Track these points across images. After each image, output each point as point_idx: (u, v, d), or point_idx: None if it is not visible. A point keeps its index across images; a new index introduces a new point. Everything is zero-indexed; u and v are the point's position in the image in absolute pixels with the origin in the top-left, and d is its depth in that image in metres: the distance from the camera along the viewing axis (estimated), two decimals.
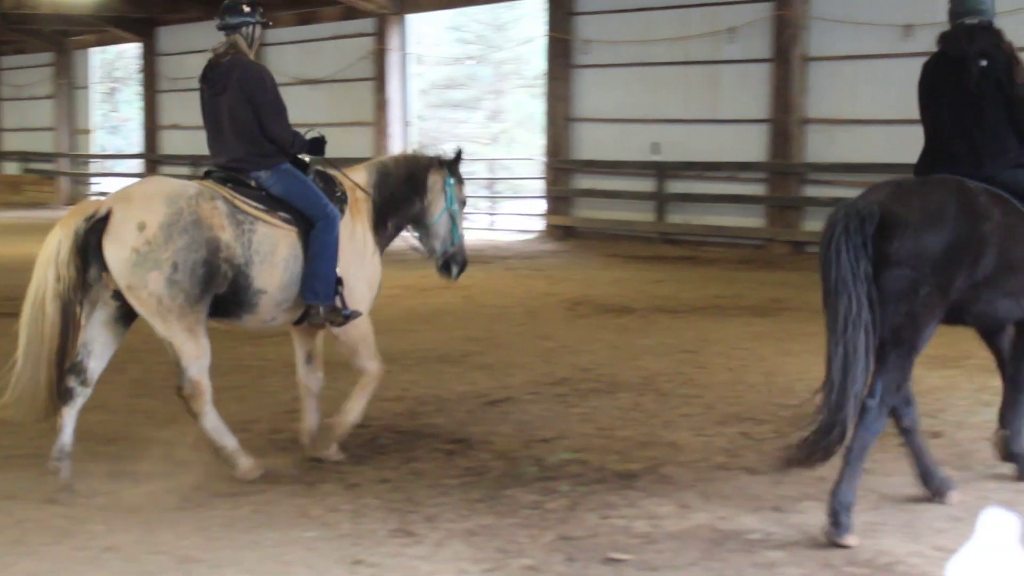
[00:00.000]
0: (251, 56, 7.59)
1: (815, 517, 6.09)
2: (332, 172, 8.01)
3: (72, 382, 6.88)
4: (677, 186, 21.51)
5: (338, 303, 7.36)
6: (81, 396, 6.92)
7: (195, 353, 6.99)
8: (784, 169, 19.52)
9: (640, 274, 16.99)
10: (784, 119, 19.42)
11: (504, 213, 28.20)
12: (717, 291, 15.16)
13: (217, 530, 6.09)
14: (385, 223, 7.97)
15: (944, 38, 7.01)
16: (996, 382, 9.20)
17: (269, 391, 9.47)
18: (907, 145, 17.73)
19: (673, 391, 9.25)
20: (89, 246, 6.70)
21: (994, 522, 3.66)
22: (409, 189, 8.07)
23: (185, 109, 29.73)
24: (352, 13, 26.94)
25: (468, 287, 15.69)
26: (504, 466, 7.19)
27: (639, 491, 6.63)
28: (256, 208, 7.20)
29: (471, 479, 6.93)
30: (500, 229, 26.39)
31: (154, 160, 33.01)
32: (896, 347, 6.27)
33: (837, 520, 5.80)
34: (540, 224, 24.45)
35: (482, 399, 9.07)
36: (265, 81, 7.50)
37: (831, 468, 6.86)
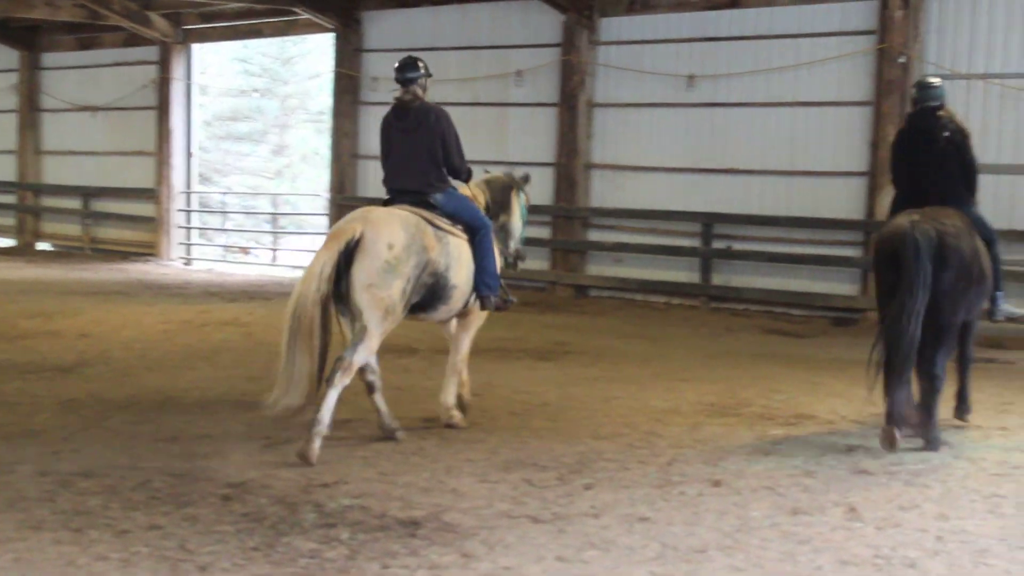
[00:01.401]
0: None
1: (598, 568, 6.04)
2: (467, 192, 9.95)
3: (370, 376, 9.05)
4: None
5: (502, 293, 9.60)
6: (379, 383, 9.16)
7: (373, 347, 8.69)
8: (569, 213, 19.68)
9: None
10: (570, 163, 19.60)
11: (287, 249, 27.85)
12: (501, 333, 15.08)
13: None
14: None
15: (914, 116, 9.95)
16: (774, 430, 9.44)
17: (37, 430, 9.05)
18: (689, 192, 18.27)
19: (456, 435, 9.15)
20: (343, 263, 8.45)
21: None
22: (503, 202, 10.49)
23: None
24: (135, 40, 26.30)
25: (248, 324, 15.42)
26: (282, 512, 6.96)
27: (421, 539, 6.49)
28: (446, 224, 9.17)
29: (248, 526, 6.69)
30: (282, 264, 26.04)
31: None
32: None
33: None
34: None
35: (262, 441, 8.83)
36: (451, 123, 9.63)
37: (613, 518, 6.88)
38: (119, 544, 6.32)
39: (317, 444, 8.25)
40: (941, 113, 9.80)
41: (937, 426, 9.06)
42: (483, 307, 9.57)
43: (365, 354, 8.64)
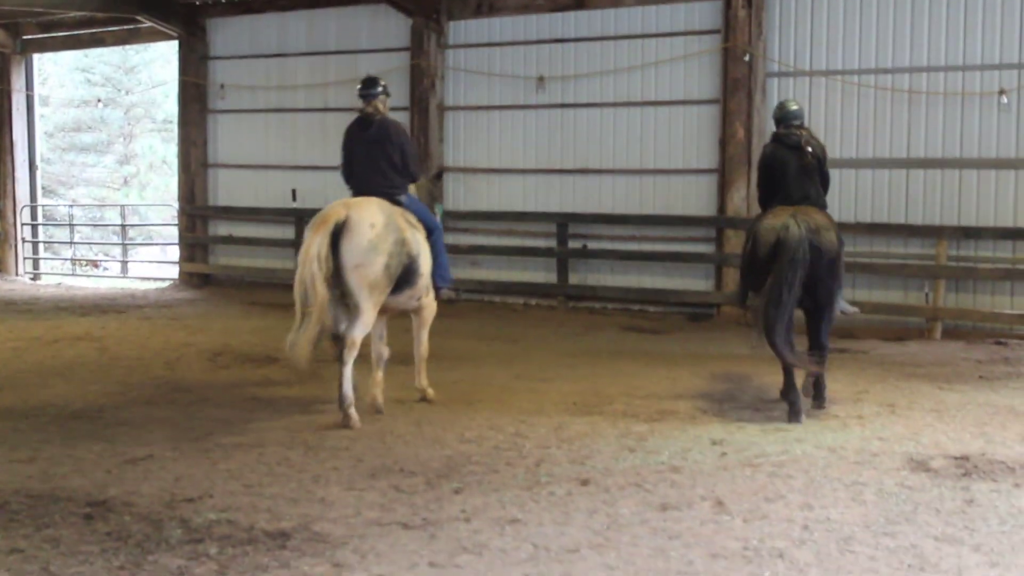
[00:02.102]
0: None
1: (472, 572, 6.01)
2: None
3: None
4: None
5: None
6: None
7: (368, 322, 9.92)
8: None
9: (282, 323, 16.40)
10: (423, 167, 19.51)
11: (137, 260, 27.37)
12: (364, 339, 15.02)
13: None
14: None
15: (780, 135, 11.21)
16: (638, 427, 9.50)
17: None
18: (543, 193, 18.33)
19: (321, 444, 9.03)
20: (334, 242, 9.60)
21: None
22: (428, 202, 11.66)
23: None
24: None
25: (101, 338, 15.11)
26: (147, 529, 6.79)
27: (291, 551, 6.38)
28: (412, 219, 10.46)
29: (112, 545, 6.51)
30: (133, 276, 25.57)
31: None
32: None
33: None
34: (175, 272, 23.79)
35: (121, 457, 8.60)
36: (407, 134, 11.20)
37: (484, 521, 6.86)
38: None
39: (353, 412, 9.76)
40: (803, 132, 11.22)
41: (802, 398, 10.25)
42: (437, 296, 10.95)
43: (362, 329, 9.88)
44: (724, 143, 17.08)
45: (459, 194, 19.46)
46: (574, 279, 18.38)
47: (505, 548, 6.42)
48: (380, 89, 10.85)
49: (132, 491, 7.65)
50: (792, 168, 11.02)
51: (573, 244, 18.37)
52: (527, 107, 19.00)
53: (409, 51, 19.87)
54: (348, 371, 9.83)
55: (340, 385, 9.82)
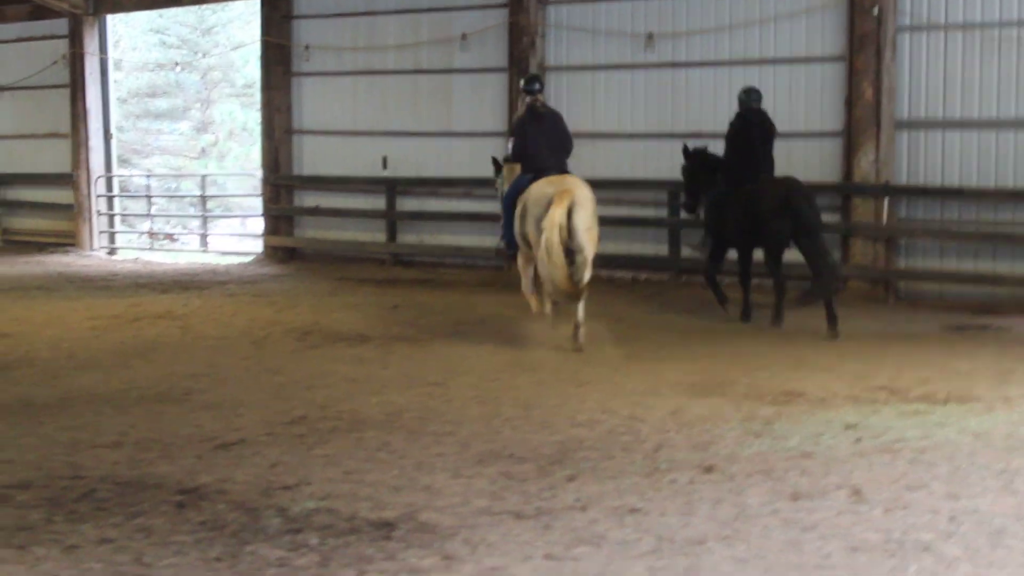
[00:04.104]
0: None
1: (591, 565, 6.01)
2: None
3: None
4: (409, 203, 21.46)
5: None
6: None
7: (594, 251, 13.12)
8: None
9: (374, 299, 16.83)
10: None
11: (218, 234, 27.64)
12: (459, 316, 15.12)
13: None
14: None
15: (745, 114, 14.97)
16: (763, 410, 9.44)
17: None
18: (652, 159, 18.26)
19: (423, 428, 9.07)
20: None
21: None
22: None
23: None
24: (42, 13, 25.92)
25: (184, 316, 15.32)
26: (243, 518, 6.87)
27: (397, 542, 6.42)
28: None
29: (207, 535, 6.59)
30: (214, 251, 25.86)
31: None
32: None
33: None
34: (257, 245, 24.03)
35: (211, 442, 8.71)
36: (566, 121, 14.69)
37: (601, 511, 6.86)
38: (69, 561, 6.21)
39: (581, 333, 12.81)
40: (763, 109, 15.07)
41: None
42: None
43: (590, 274, 12.97)
44: (850, 104, 16.89)
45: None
46: (685, 251, 18.29)
47: (625, 539, 6.40)
48: (538, 86, 14.51)
49: (225, 478, 7.74)
50: (757, 140, 14.64)
51: (686, 214, 18.26)
52: (635, 66, 18.92)
53: (507, 7, 19.88)
54: (583, 304, 12.83)
55: (577, 314, 12.89)
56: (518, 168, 14.16)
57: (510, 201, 14.00)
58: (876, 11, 16.49)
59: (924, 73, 16.60)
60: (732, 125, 14.93)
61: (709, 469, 7.76)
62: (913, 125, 16.68)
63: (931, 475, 7.55)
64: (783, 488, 7.29)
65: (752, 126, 14.71)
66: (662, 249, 18.46)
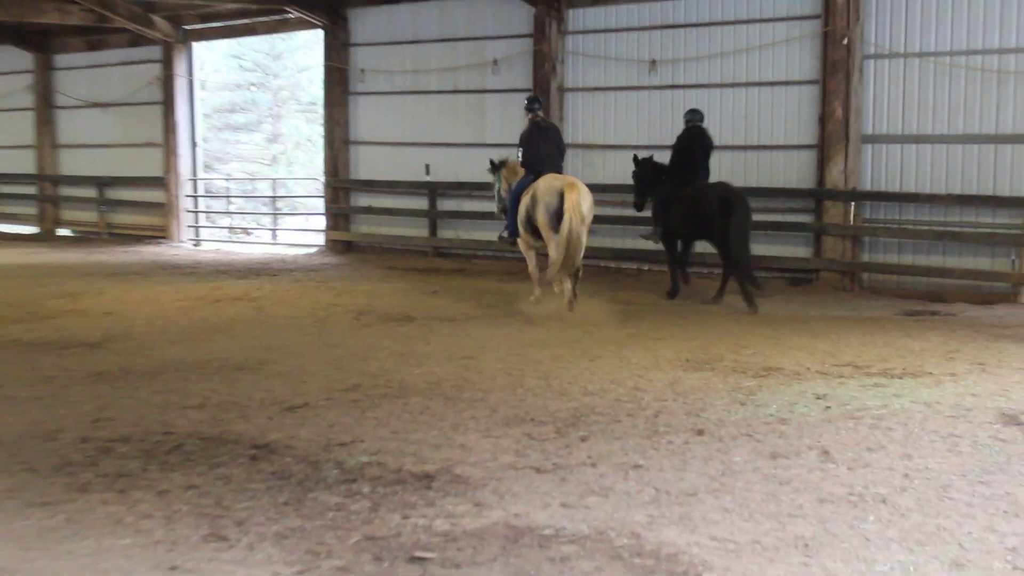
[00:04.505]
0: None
1: (600, 512, 6.03)
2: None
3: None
4: (448, 204, 21.48)
5: None
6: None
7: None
8: None
9: (417, 285, 16.85)
10: None
11: (286, 228, 27.70)
12: (489, 300, 15.13)
13: (31, 540, 5.69)
14: None
15: (691, 130, 15.70)
16: (747, 382, 9.44)
17: (74, 400, 8.97)
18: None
19: (458, 395, 9.09)
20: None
21: None
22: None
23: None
24: (140, 41, 26.11)
25: (258, 298, 15.35)
26: (307, 470, 6.91)
27: (436, 491, 6.46)
28: None
29: (276, 483, 6.64)
30: (282, 243, 25.91)
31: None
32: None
33: None
34: (320, 239, 24.08)
35: (280, 405, 8.76)
36: (566, 134, 16.66)
37: (609, 467, 6.87)
38: (161, 503, 6.28)
39: (575, 302, 13.64)
40: (704, 127, 15.80)
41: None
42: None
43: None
44: (823, 121, 16.82)
45: (577, 168, 19.31)
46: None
47: (629, 491, 6.42)
48: (538, 105, 15.21)
49: (292, 435, 7.79)
50: (698, 154, 15.47)
51: None
52: (640, 88, 18.90)
53: (532, 37, 19.86)
54: (570, 284, 13.68)
55: (572, 290, 13.72)
56: (519, 169, 14.98)
57: (516, 197, 14.61)
58: (846, 41, 16.41)
59: (887, 95, 16.51)
60: (679, 139, 15.72)
61: (700, 432, 7.76)
62: (877, 139, 16.60)
63: (888, 438, 7.54)
64: (763, 448, 7.30)
65: (695, 140, 15.51)
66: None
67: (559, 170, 14.67)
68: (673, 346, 11.40)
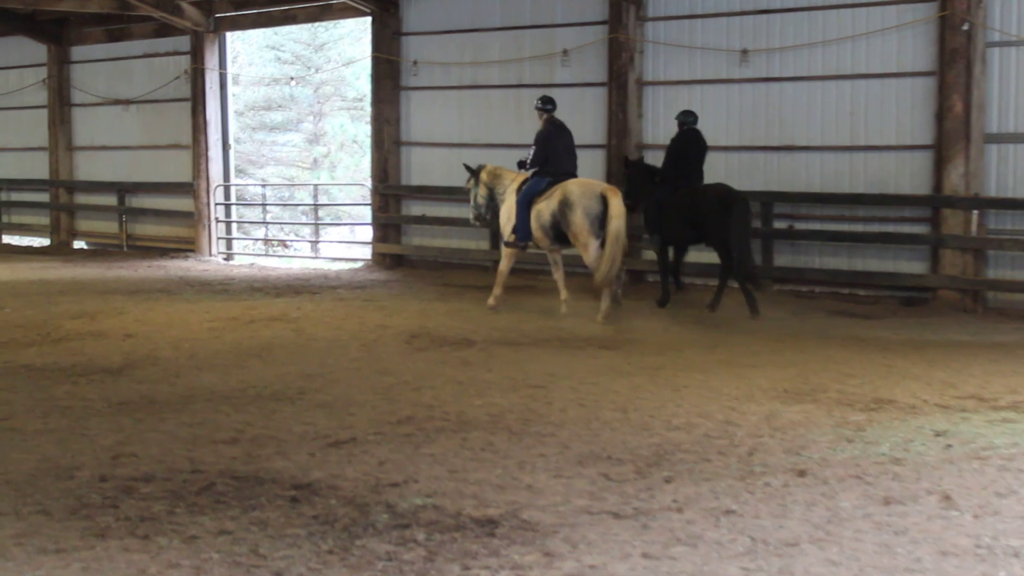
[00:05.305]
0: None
1: (687, 565, 5.97)
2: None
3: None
4: None
5: None
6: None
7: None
8: None
9: (477, 305, 16.85)
10: (620, 144, 19.47)
11: (328, 241, 27.84)
12: (557, 322, 15.11)
13: None
14: None
15: (685, 133, 16.78)
16: (854, 416, 9.34)
17: (92, 434, 9.04)
18: (746, 171, 18.13)
19: (525, 429, 9.08)
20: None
21: None
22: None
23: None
24: (166, 30, 26.39)
25: (297, 319, 15.44)
26: (354, 513, 6.92)
27: (500, 539, 6.43)
28: None
29: (319, 528, 6.65)
30: (324, 257, 26.06)
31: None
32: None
33: None
34: (367, 252, 24.17)
35: (323, 440, 8.78)
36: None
37: (697, 512, 6.82)
38: (189, 551, 6.30)
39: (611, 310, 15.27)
40: (697, 129, 16.83)
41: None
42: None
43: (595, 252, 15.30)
44: (940, 117, 16.65)
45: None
46: (779, 261, 18.13)
47: (721, 540, 6.37)
48: (552, 106, 16.54)
49: (336, 474, 7.80)
50: (693, 156, 16.59)
51: (778, 224, 18.12)
52: (729, 81, 18.80)
53: (607, 24, 19.82)
54: (610, 293, 15.34)
55: (613, 298, 15.48)
56: (502, 172, 17.02)
57: (527, 200, 15.99)
58: (967, 26, 16.24)
59: (1013, 87, 16.33)
60: (673, 142, 16.88)
61: (802, 473, 7.69)
62: (1002, 138, 16.42)
63: (1020, 482, 7.42)
64: (875, 493, 7.21)
65: (689, 143, 16.70)
66: (756, 258, 18.24)
67: (575, 173, 16.22)
68: (769, 374, 11.32)
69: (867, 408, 9.71)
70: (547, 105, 16.57)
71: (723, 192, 15.83)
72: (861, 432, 8.85)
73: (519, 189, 16.33)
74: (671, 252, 17.04)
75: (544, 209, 15.72)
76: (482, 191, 17.19)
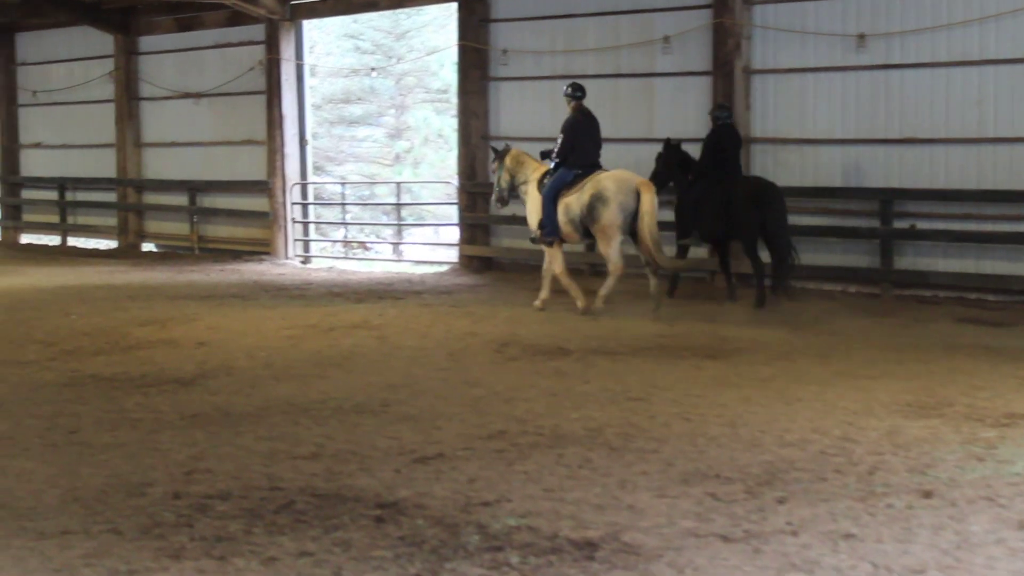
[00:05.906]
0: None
1: None
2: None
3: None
4: None
5: None
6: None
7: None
8: None
9: (572, 311, 16.86)
10: None
11: (412, 242, 27.96)
12: (659, 329, 15.07)
13: None
14: None
15: (722, 126, 17.75)
16: (985, 433, 9.24)
17: (164, 448, 9.16)
18: (863, 166, 18.01)
19: (626, 445, 9.07)
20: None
21: None
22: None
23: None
24: (239, 19, 26.61)
25: (380, 326, 15.52)
26: (443, 534, 6.95)
27: (600, 563, 6.43)
28: None
29: (406, 550, 6.68)
30: (408, 260, 26.17)
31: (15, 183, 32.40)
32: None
33: None
34: (454, 255, 24.25)
35: (409, 456, 8.83)
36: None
37: (814, 535, 6.77)
38: (268, 573, 6.36)
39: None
40: (732, 123, 18.02)
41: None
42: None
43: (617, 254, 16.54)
44: None
45: (767, 167, 19.17)
46: (900, 263, 18.00)
47: (839, 566, 6.33)
48: (581, 93, 17.35)
49: (424, 492, 7.84)
50: (730, 149, 17.54)
51: (899, 224, 17.98)
52: (845, 68, 18.68)
53: (711, 8, 19.78)
54: (609, 285, 16.69)
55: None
56: (524, 159, 17.85)
57: (553, 193, 16.79)
58: None
59: None
60: (708, 138, 17.90)
61: (928, 494, 7.62)
62: None
63: None
64: (1009, 516, 7.13)
65: (724, 139, 17.68)
66: (874, 261, 18.15)
67: (599, 165, 17.05)
68: (890, 387, 11.23)
69: (998, 424, 9.60)
70: (577, 92, 17.33)
71: (758, 184, 17.35)
72: (992, 450, 8.75)
73: (540, 181, 17.20)
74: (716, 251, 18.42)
75: (573, 203, 16.56)
76: (505, 176, 17.99)
